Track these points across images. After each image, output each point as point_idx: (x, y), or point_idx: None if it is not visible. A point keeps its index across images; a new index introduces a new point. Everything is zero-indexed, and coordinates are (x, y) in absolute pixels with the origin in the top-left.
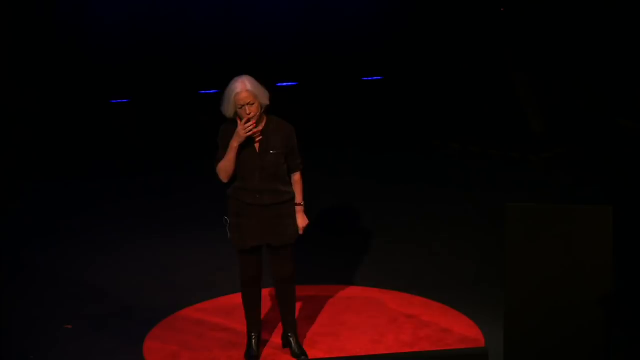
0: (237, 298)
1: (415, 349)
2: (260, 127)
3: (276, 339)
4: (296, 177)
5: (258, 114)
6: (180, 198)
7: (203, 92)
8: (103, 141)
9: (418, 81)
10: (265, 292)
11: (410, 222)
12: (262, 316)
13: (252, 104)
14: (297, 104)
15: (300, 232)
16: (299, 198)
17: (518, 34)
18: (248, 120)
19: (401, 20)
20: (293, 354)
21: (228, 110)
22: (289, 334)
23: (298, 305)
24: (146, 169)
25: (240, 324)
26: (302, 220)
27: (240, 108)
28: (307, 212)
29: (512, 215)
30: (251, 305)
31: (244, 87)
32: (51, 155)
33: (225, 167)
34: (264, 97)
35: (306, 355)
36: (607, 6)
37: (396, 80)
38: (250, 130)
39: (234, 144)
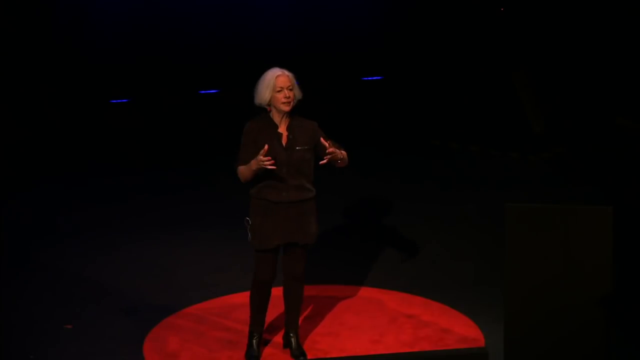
0: (236, 298)
1: (415, 349)
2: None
3: (276, 339)
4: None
5: (293, 103)
6: (179, 198)
7: (203, 92)
8: (102, 141)
9: (418, 81)
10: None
11: (411, 222)
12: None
13: (291, 89)
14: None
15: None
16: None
17: (518, 34)
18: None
19: (401, 20)
20: (292, 355)
21: (264, 95)
22: (291, 334)
23: None
24: (146, 169)
25: (240, 324)
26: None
27: (279, 91)
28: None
29: (512, 215)
30: (260, 307)
31: (284, 72)
32: (51, 155)
33: (245, 176)
34: (298, 91)
35: (305, 356)
36: (606, 6)
37: (396, 80)
38: (265, 164)
39: (253, 167)
